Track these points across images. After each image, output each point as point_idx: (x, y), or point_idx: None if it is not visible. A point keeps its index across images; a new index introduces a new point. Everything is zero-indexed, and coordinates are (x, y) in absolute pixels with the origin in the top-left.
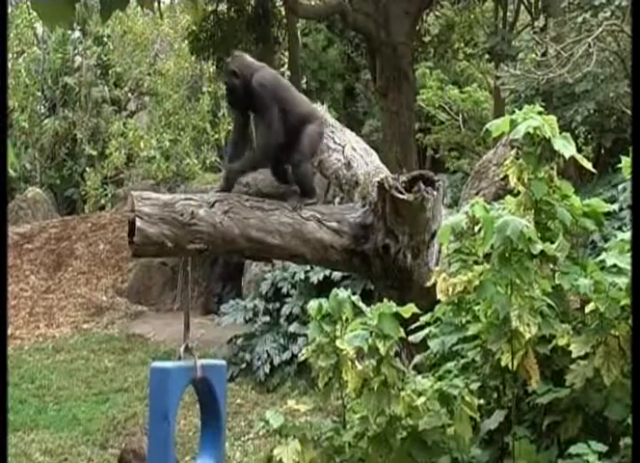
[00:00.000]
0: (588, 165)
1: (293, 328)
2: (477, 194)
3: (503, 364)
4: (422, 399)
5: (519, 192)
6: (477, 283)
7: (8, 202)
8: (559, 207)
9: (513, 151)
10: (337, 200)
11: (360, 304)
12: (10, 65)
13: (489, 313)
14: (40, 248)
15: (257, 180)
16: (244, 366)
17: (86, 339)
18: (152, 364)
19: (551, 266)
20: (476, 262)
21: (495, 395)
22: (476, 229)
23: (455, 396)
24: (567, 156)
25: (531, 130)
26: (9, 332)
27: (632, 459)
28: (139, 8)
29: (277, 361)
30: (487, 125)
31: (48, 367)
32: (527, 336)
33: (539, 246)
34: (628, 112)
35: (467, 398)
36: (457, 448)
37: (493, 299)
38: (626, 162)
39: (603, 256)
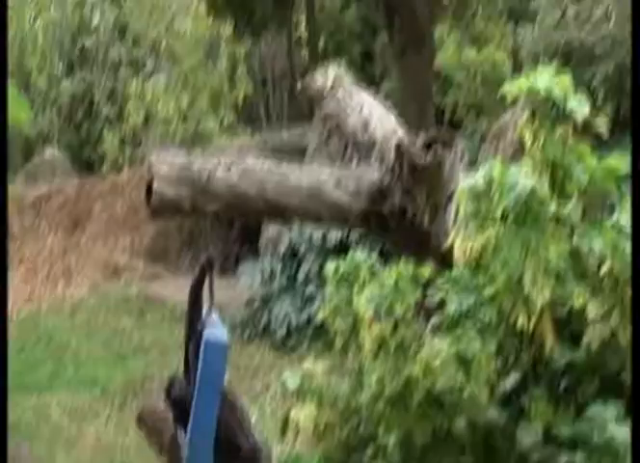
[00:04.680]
0: (602, 126)
1: (310, 289)
2: (495, 155)
3: (519, 326)
4: (439, 361)
5: (534, 153)
6: (493, 245)
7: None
8: (575, 168)
9: (528, 112)
10: (354, 162)
11: (377, 265)
12: (27, 27)
13: (503, 276)
14: (57, 209)
15: (274, 140)
16: (261, 327)
17: (103, 299)
18: (207, 336)
19: (568, 229)
20: (493, 224)
21: (512, 357)
22: (493, 190)
23: (472, 358)
24: (580, 117)
25: (546, 91)
26: (27, 292)
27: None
28: None
29: (294, 322)
30: (504, 86)
31: (66, 327)
32: (540, 300)
33: (552, 207)
34: None
35: (484, 360)
36: (474, 409)
37: (507, 261)
38: None
39: (618, 216)
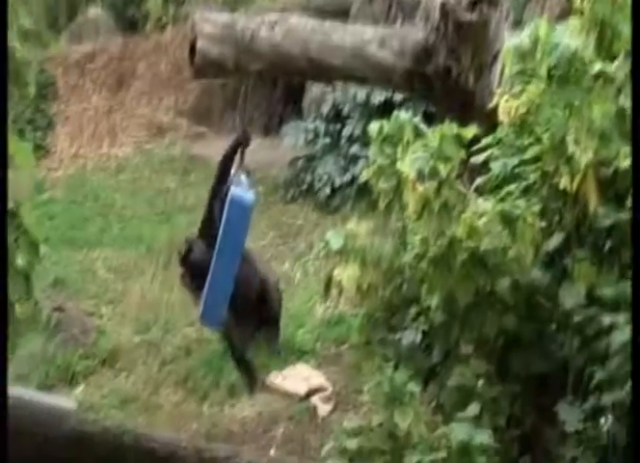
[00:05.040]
0: None
1: (354, 150)
2: (541, 14)
3: (562, 186)
4: (483, 220)
5: (582, 12)
6: (537, 104)
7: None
8: (623, 27)
9: None
10: (399, 21)
11: (422, 126)
12: None
13: (547, 136)
14: (102, 68)
15: None
16: (305, 187)
17: (148, 159)
18: (233, 193)
19: (614, 88)
20: (538, 84)
21: (557, 218)
22: (538, 50)
23: (516, 217)
24: None
25: None
26: (72, 151)
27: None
28: None
29: (337, 182)
30: None
31: (112, 186)
32: (584, 160)
33: (597, 66)
34: None
35: (529, 219)
36: (517, 269)
37: (551, 121)
38: None
39: None
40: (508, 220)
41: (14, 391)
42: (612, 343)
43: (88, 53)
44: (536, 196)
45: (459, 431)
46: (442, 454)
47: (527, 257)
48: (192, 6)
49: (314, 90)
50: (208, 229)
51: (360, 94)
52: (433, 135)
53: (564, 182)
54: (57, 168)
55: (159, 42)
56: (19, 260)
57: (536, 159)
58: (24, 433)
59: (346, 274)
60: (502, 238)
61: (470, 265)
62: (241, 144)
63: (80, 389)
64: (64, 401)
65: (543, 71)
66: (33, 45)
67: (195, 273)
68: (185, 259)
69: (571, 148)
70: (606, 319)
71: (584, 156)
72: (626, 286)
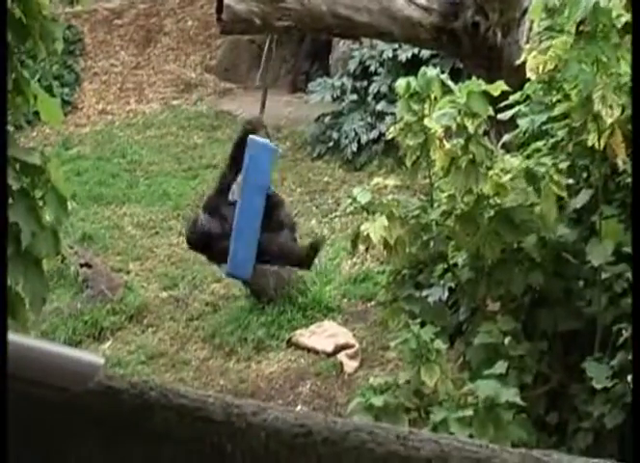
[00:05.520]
0: None
1: (381, 106)
2: None
3: (589, 143)
4: (510, 177)
5: None
6: (565, 60)
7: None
8: None
9: None
10: None
11: (449, 82)
12: None
13: (575, 93)
14: (129, 24)
15: None
16: (331, 144)
17: (175, 115)
18: (252, 139)
19: None
20: (566, 40)
21: (584, 175)
22: (566, 5)
23: (543, 175)
24: None
25: None
26: (99, 107)
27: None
28: None
29: (364, 139)
30: None
31: (139, 142)
32: (610, 117)
33: (624, 18)
34: None
35: (555, 177)
36: (544, 226)
37: (578, 77)
38: None
39: None
40: (533, 177)
41: (41, 344)
42: None
43: (115, 9)
44: (563, 153)
45: (485, 388)
46: (469, 412)
47: (553, 213)
48: None
49: (341, 46)
50: (215, 204)
51: (387, 50)
52: (460, 91)
53: (592, 139)
54: (84, 124)
55: None
56: (47, 216)
57: (564, 116)
58: (50, 387)
59: (373, 229)
60: (528, 195)
61: (497, 222)
62: (249, 132)
63: (108, 344)
64: (91, 356)
65: (571, 27)
66: (60, 1)
67: (205, 246)
68: (191, 240)
69: (597, 104)
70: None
71: (612, 113)
72: None
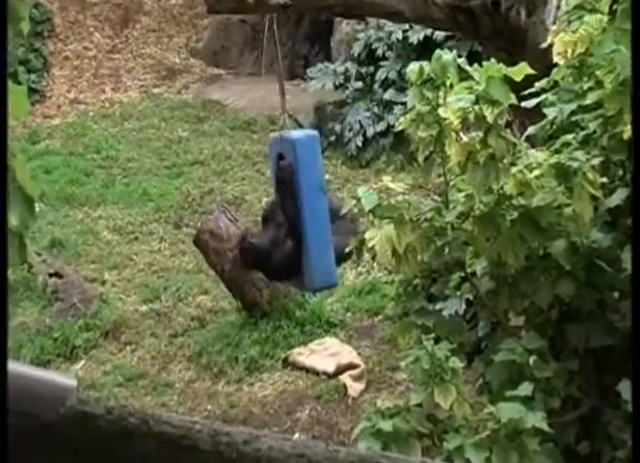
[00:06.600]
0: None
1: (389, 95)
2: None
3: (625, 136)
4: (536, 174)
5: None
6: (598, 41)
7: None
8: None
9: None
10: None
11: (466, 67)
12: None
13: (609, 79)
14: (104, 1)
15: None
16: (333, 137)
17: (157, 105)
18: (284, 134)
19: None
20: (600, 18)
21: (620, 172)
22: None
23: (575, 171)
24: None
25: None
26: (71, 96)
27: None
28: None
29: (370, 132)
30: None
31: (116, 135)
32: None
33: None
34: None
35: (589, 174)
36: (575, 230)
37: (614, 59)
38: None
39: None
40: (564, 174)
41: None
42: None
43: None
44: (596, 147)
45: (508, 412)
46: (487, 434)
47: (586, 216)
48: None
49: (344, 27)
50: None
51: (397, 32)
52: (479, 76)
53: (628, 131)
54: (54, 115)
55: None
56: (12, 220)
57: (597, 105)
58: (15, 414)
59: (379, 236)
60: (557, 195)
61: (521, 225)
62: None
63: (80, 364)
64: (62, 378)
65: (604, 4)
66: None
67: (259, 259)
68: (244, 253)
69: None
70: None
71: None
72: None
